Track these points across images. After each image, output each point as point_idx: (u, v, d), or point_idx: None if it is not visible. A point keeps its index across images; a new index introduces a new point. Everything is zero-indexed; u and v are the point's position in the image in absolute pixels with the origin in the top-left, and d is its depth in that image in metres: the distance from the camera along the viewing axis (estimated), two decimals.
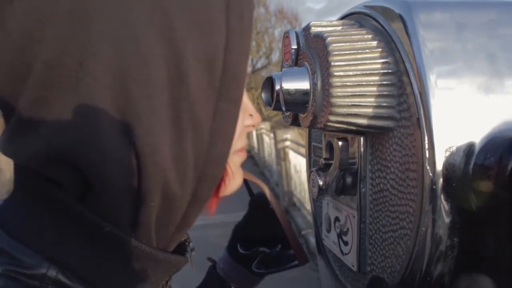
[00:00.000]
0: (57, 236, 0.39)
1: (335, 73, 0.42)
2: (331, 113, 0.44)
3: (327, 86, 0.43)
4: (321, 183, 0.51)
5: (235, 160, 0.49)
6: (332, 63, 0.42)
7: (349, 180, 0.49)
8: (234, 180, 0.48)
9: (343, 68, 0.42)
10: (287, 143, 5.08)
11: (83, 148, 0.36)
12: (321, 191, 0.51)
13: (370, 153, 0.47)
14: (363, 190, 0.48)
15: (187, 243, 0.51)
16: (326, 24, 0.48)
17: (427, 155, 0.38)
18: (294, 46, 0.49)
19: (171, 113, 0.37)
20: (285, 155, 5.09)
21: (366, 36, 0.44)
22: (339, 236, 0.54)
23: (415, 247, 0.40)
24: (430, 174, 0.38)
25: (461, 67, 0.40)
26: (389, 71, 0.42)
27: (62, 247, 0.38)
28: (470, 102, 0.39)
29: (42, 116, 0.36)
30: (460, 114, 0.39)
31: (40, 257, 0.38)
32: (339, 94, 0.43)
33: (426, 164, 0.38)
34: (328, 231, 0.57)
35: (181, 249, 0.48)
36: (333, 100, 0.43)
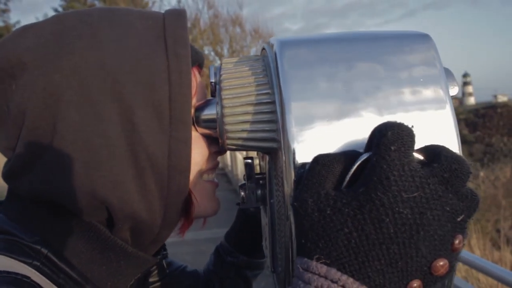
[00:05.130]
0: (49, 225, 0.52)
1: (225, 105, 0.51)
2: (228, 138, 0.52)
3: (222, 115, 0.52)
4: (242, 194, 0.60)
5: (204, 187, 0.60)
6: (223, 97, 0.51)
7: (261, 192, 0.57)
8: (203, 207, 0.60)
9: (232, 101, 0.51)
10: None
11: (53, 189, 0.49)
12: (243, 202, 0.60)
13: (274, 169, 0.55)
14: (271, 201, 0.56)
15: (162, 250, 0.62)
16: (234, 60, 0.57)
17: (284, 170, 0.46)
18: (212, 80, 0.58)
19: (130, 156, 0.49)
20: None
21: (255, 71, 0.52)
22: (265, 241, 0.62)
23: (284, 250, 0.48)
24: (287, 188, 0.46)
25: (318, 96, 0.47)
26: (269, 100, 0.50)
27: (53, 233, 0.51)
28: (324, 127, 0.46)
29: (27, 166, 0.50)
30: (314, 137, 0.46)
31: (37, 238, 0.50)
32: (230, 122, 0.51)
33: (284, 178, 0.46)
34: (263, 236, 0.66)
35: (155, 254, 0.59)
36: (226, 127, 0.51)
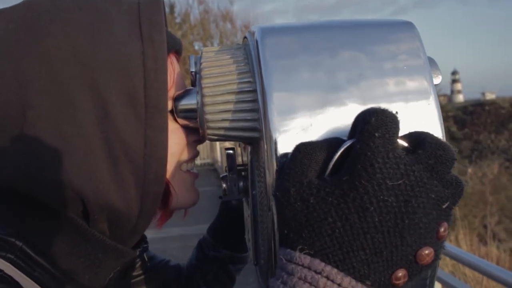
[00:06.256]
0: (24, 217, 0.50)
1: (206, 94, 0.50)
2: (208, 128, 0.51)
3: (203, 104, 0.51)
4: (224, 186, 0.58)
5: (183, 178, 0.58)
6: (203, 85, 0.50)
7: (243, 184, 0.56)
8: (182, 198, 0.58)
9: (212, 89, 0.50)
10: None
11: (25, 180, 0.47)
12: (225, 194, 0.58)
13: (256, 160, 0.54)
14: (253, 192, 0.55)
15: (143, 243, 0.61)
16: (216, 49, 0.55)
17: (266, 160, 0.45)
18: (193, 70, 0.57)
19: (104, 145, 0.47)
20: None
21: (237, 59, 0.51)
22: (247, 233, 0.61)
23: (267, 242, 0.47)
24: (269, 178, 0.44)
25: (301, 85, 0.45)
26: (251, 89, 0.49)
27: (28, 226, 0.49)
28: (307, 116, 0.44)
29: None
30: (296, 127, 0.44)
31: (10, 231, 0.48)
32: (211, 111, 0.50)
33: (266, 168, 0.45)
34: (245, 229, 0.64)
35: (134, 247, 0.58)
36: (207, 116, 0.50)
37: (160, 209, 0.56)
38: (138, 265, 0.68)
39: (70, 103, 0.46)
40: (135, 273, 0.69)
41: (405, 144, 0.37)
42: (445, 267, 3.85)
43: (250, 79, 0.49)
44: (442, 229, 0.35)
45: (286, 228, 0.36)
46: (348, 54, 0.46)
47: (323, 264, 0.34)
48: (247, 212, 0.60)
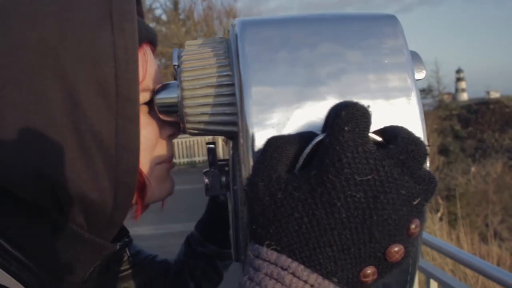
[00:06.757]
0: (1, 210, 0.49)
1: (185, 87, 0.49)
2: (188, 122, 0.50)
3: (182, 98, 0.50)
4: (206, 181, 0.58)
5: (157, 171, 0.57)
6: (182, 79, 0.49)
7: (225, 179, 0.56)
8: (157, 191, 0.57)
9: (192, 83, 0.49)
10: None
11: None
12: (207, 189, 0.58)
13: (237, 155, 0.53)
14: (234, 187, 0.54)
15: (125, 237, 0.60)
16: (199, 42, 0.55)
17: (242, 155, 0.44)
18: (175, 63, 0.56)
19: (74, 135, 0.47)
20: None
21: (217, 53, 0.50)
22: (230, 228, 0.60)
23: (244, 238, 0.46)
24: (244, 173, 0.44)
25: (280, 79, 0.45)
26: (230, 82, 0.48)
27: (5, 220, 0.49)
28: (285, 111, 0.44)
29: None
30: (274, 121, 0.44)
31: None
32: (190, 105, 0.49)
33: (242, 163, 0.44)
34: (230, 225, 0.64)
35: (115, 241, 0.58)
36: (186, 110, 0.50)
37: (137, 201, 0.56)
38: (123, 260, 0.68)
39: (39, 93, 0.46)
40: (121, 268, 0.69)
41: (379, 138, 0.37)
42: (445, 266, 3.84)
43: (230, 73, 0.48)
44: (413, 226, 0.34)
45: (255, 223, 0.36)
46: (329, 48, 0.46)
47: (289, 260, 0.33)
48: (230, 207, 0.59)
